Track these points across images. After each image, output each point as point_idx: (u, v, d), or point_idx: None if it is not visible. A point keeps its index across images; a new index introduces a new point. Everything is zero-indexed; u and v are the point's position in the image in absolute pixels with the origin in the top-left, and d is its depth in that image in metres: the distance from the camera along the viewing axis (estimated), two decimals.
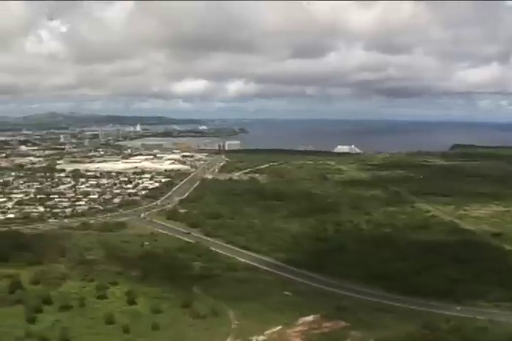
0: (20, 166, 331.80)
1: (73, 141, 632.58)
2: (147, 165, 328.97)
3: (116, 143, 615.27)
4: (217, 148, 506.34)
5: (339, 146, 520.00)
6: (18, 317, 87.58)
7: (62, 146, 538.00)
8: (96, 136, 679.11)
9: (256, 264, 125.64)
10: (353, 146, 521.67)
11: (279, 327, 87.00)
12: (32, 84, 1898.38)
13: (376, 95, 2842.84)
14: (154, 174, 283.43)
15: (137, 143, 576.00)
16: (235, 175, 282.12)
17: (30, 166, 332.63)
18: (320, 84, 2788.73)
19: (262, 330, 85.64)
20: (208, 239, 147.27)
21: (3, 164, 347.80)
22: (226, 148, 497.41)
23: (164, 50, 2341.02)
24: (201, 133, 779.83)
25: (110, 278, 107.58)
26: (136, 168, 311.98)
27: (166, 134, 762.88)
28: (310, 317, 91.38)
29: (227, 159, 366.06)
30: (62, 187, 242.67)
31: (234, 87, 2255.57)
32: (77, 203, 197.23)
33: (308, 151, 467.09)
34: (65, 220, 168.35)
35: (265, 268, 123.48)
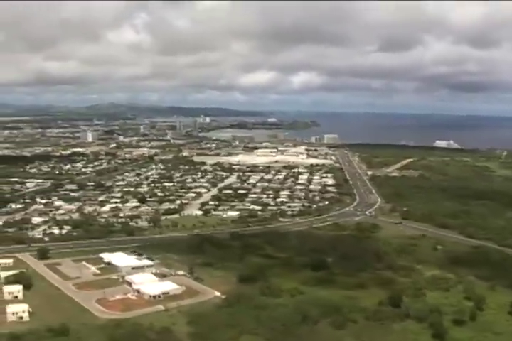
0: (151, 158, 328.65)
1: (154, 131, 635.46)
2: (286, 158, 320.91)
3: (201, 134, 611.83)
4: (313, 141, 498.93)
5: (437, 141, 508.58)
6: (422, 334, 79.60)
7: (159, 137, 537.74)
8: (173, 127, 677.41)
9: None
10: (451, 142, 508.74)
11: None
12: (104, 74, 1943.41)
13: (442, 89, 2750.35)
14: (304, 169, 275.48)
15: (226, 134, 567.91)
16: (392, 171, 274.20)
17: (158, 158, 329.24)
18: (389, 78, 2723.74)
19: None
20: (475, 241, 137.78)
21: (127, 155, 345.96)
22: (325, 141, 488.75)
23: (251, 42, 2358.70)
24: (275, 126, 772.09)
25: (463, 286, 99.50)
26: (276, 161, 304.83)
27: (240, 126, 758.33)
28: None
29: (357, 154, 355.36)
30: (229, 181, 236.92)
31: (299, 79, 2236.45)
32: (280, 200, 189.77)
33: (415, 146, 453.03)
34: (297, 219, 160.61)
35: None
